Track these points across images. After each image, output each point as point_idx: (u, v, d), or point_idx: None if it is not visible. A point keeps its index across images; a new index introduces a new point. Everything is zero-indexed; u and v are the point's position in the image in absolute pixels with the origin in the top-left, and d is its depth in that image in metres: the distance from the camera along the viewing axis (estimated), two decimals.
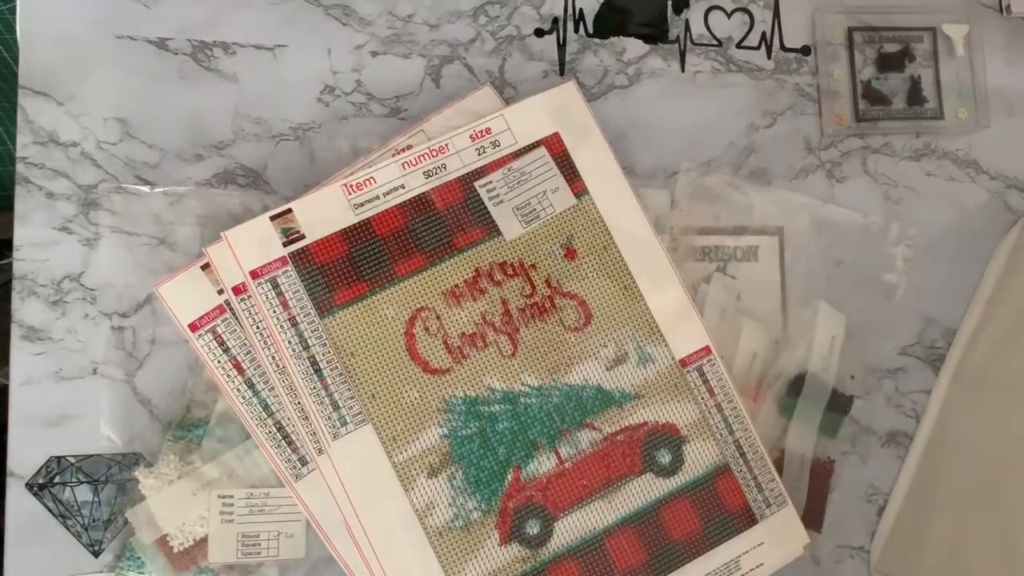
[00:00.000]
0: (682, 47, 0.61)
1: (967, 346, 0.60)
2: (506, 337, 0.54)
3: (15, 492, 0.54)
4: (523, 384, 0.54)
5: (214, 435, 0.54)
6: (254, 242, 0.52)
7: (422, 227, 0.54)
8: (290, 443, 0.52)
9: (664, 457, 0.54)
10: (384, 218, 0.54)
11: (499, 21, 0.60)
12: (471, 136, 0.55)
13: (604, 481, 0.54)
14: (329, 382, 0.52)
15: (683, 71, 0.61)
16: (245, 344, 0.53)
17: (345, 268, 0.53)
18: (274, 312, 0.52)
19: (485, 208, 0.55)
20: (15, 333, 0.55)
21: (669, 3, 0.61)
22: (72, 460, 0.54)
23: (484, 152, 0.55)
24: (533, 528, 0.52)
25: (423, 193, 0.54)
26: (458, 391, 0.53)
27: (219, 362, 0.53)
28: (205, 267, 0.53)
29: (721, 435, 0.55)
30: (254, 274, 0.52)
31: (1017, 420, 0.54)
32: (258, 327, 0.52)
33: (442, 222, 0.54)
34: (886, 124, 0.61)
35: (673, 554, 0.54)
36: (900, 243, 0.61)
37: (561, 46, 0.60)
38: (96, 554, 0.54)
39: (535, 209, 0.55)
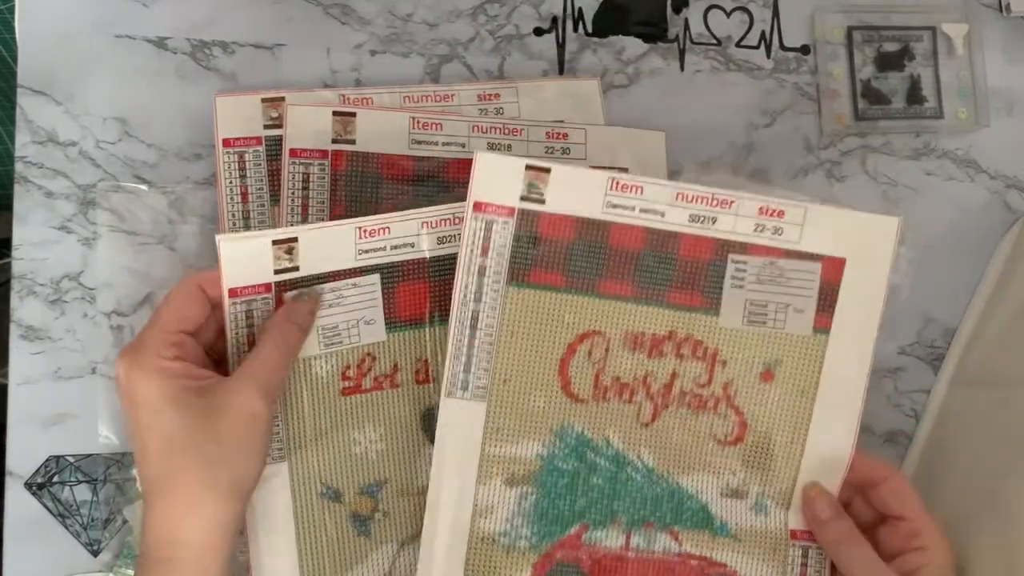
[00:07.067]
0: (681, 46, 0.61)
1: (966, 346, 0.60)
2: (652, 406, 0.50)
3: (14, 491, 0.54)
4: (638, 457, 0.50)
5: None
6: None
7: (654, 261, 0.49)
8: None
9: None
10: (628, 232, 0.49)
11: (498, 20, 0.60)
12: (761, 209, 0.49)
13: None
14: (476, 343, 0.49)
15: (682, 70, 0.61)
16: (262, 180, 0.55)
17: (560, 251, 0.49)
18: (472, 249, 0.48)
19: (721, 282, 0.50)
20: (14, 332, 0.55)
21: (668, 2, 0.61)
22: (71, 459, 0.54)
23: (761, 231, 0.49)
24: None
25: (678, 232, 0.49)
26: (578, 424, 0.50)
27: (230, 182, 0.55)
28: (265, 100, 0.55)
29: None
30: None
31: (1017, 420, 0.54)
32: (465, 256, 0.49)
33: (674, 269, 0.49)
34: (885, 123, 0.61)
35: None
36: (905, 244, 0.60)
37: (560, 45, 0.60)
38: (95, 553, 0.54)
39: (767, 315, 0.50)
